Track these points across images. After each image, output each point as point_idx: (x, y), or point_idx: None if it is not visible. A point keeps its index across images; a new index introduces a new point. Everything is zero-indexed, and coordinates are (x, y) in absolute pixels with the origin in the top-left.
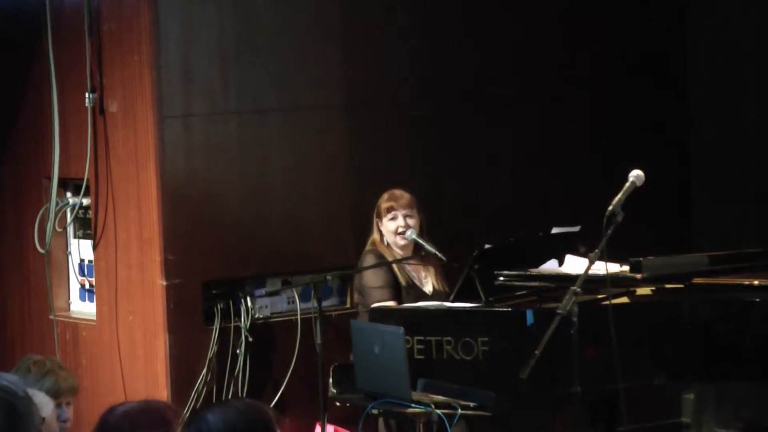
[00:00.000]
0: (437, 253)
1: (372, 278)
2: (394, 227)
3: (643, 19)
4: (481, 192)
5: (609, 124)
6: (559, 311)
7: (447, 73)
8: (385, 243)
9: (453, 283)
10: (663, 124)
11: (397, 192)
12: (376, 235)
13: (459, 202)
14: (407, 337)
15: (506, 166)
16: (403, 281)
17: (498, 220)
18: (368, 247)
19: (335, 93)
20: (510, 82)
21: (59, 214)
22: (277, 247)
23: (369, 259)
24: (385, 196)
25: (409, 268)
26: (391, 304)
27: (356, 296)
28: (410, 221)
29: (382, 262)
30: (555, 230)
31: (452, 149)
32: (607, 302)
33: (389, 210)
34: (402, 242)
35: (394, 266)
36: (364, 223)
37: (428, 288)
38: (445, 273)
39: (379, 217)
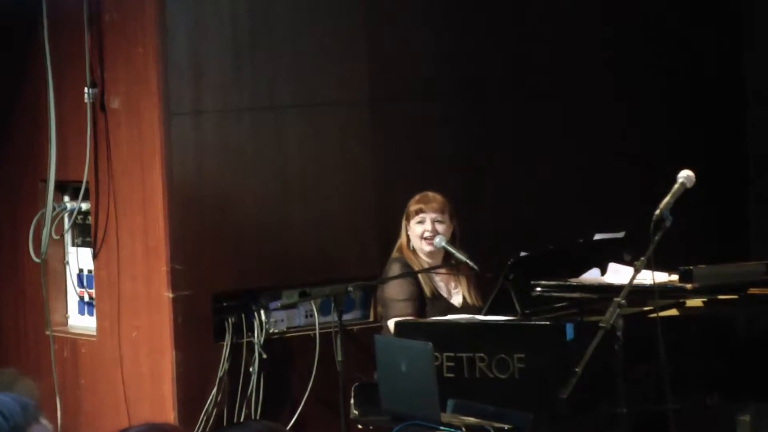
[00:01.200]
0: (468, 261)
1: (395, 290)
2: (421, 231)
3: (697, 12)
4: (518, 196)
5: (657, 124)
6: (602, 325)
7: (481, 68)
8: (411, 248)
9: (486, 295)
10: (716, 123)
11: (430, 194)
12: (403, 239)
13: (493, 207)
14: (436, 354)
15: (545, 169)
16: (428, 292)
17: (535, 227)
18: (394, 254)
19: (358, 88)
20: (550, 79)
21: (56, 221)
22: (295, 256)
23: (395, 269)
24: (416, 197)
25: (437, 278)
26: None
27: (379, 308)
28: (439, 227)
29: (407, 272)
30: (597, 236)
31: (486, 150)
32: (654, 315)
33: (417, 212)
34: (428, 248)
35: (422, 283)
36: (389, 229)
37: (457, 300)
38: (477, 284)
39: (408, 220)
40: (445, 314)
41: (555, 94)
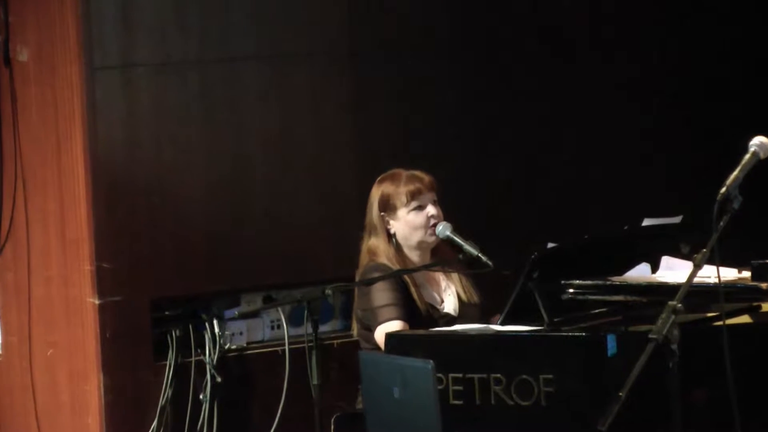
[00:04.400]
0: (481, 255)
1: (378, 295)
2: (424, 220)
3: None
4: (540, 176)
5: (714, 89)
6: (652, 336)
7: (496, 13)
8: (395, 246)
9: (491, 291)
10: None
11: (412, 171)
12: (380, 240)
13: (508, 187)
14: (440, 375)
15: (575, 142)
16: (423, 310)
17: (563, 213)
18: (364, 259)
19: (335, 36)
20: (584, 29)
21: None
22: (256, 251)
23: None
24: (400, 179)
25: (427, 284)
26: (397, 325)
27: (356, 327)
28: (438, 209)
29: (400, 270)
30: (647, 222)
31: (498, 116)
32: (720, 323)
33: (414, 196)
34: (432, 239)
35: (413, 291)
36: None
37: (451, 303)
38: (475, 279)
39: (390, 210)
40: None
41: (592, 46)
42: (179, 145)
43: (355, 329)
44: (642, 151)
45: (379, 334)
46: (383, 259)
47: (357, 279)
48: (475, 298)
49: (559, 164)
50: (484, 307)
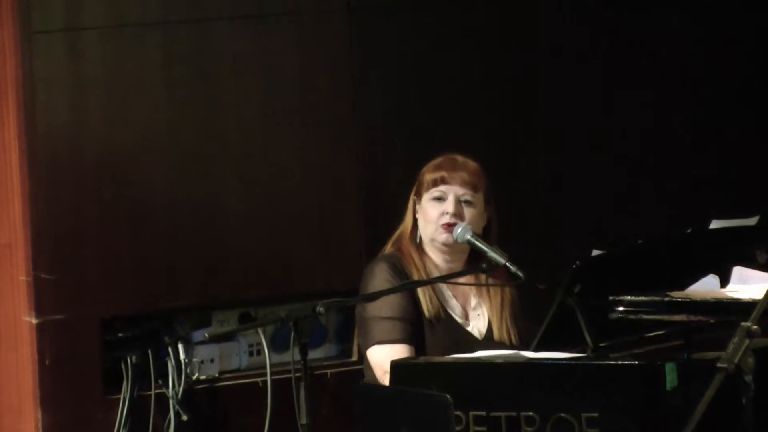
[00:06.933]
0: (508, 264)
1: (377, 303)
2: (437, 213)
3: None
4: (583, 166)
5: None
6: (721, 365)
7: None
8: (418, 240)
9: (532, 318)
10: None
11: (459, 159)
12: (407, 224)
13: (550, 187)
14: (458, 413)
15: (636, 129)
16: (427, 311)
17: (614, 214)
18: (388, 246)
19: None
20: None
21: None
22: (232, 260)
23: (378, 273)
24: (437, 160)
25: (448, 288)
26: (399, 349)
27: (358, 337)
28: (468, 211)
29: (408, 283)
30: (715, 224)
31: (535, 85)
32: None
33: (435, 183)
34: (443, 238)
35: (420, 294)
36: (378, 220)
37: (478, 325)
38: (516, 301)
39: (419, 195)
40: (456, 347)
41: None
42: (137, 125)
43: (357, 339)
44: (709, 146)
45: (374, 358)
46: (402, 249)
47: (369, 266)
48: (512, 337)
49: (612, 149)
50: (518, 347)
